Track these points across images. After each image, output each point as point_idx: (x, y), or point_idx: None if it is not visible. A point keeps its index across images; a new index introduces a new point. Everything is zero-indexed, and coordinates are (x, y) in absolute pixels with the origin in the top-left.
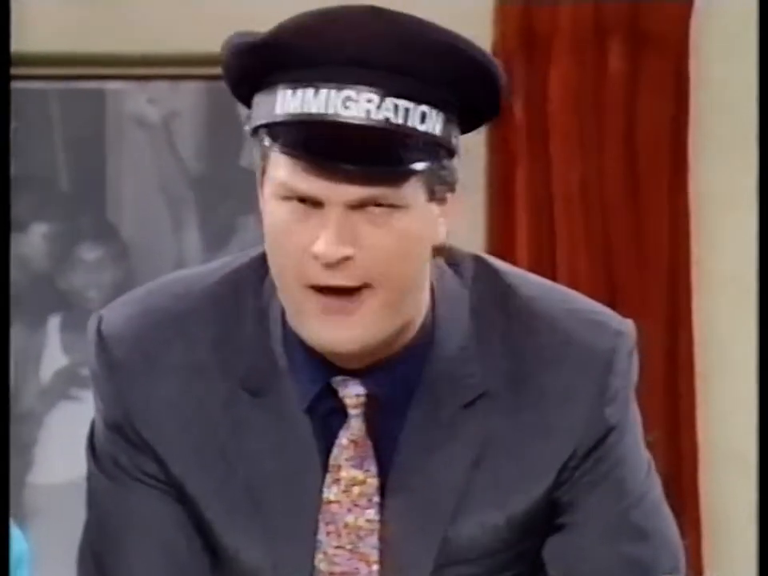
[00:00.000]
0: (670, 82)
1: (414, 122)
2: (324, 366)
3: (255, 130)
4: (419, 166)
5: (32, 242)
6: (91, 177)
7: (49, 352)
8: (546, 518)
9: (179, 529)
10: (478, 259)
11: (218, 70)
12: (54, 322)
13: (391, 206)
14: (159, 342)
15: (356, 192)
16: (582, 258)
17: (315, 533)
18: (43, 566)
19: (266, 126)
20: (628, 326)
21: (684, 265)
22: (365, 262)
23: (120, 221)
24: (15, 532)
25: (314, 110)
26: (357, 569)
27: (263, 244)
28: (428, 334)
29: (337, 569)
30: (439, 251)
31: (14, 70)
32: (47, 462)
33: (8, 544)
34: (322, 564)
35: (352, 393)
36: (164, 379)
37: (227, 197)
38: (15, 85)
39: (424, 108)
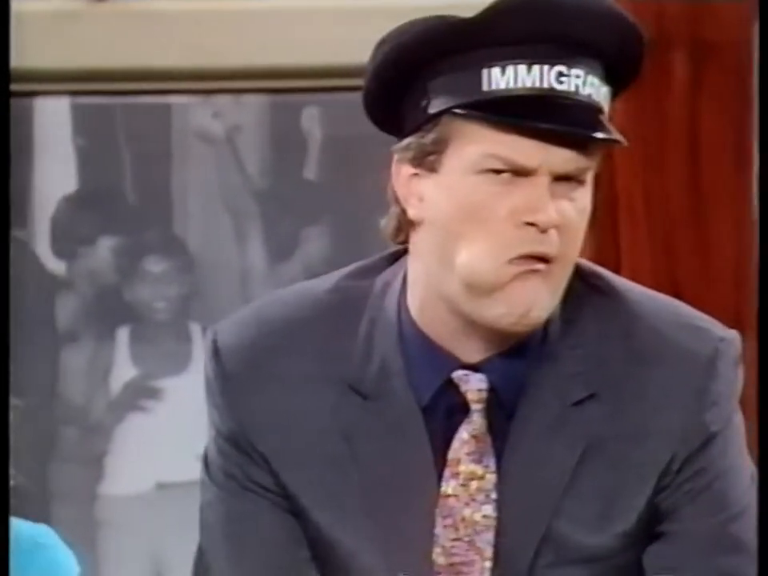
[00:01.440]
0: (733, 89)
1: (603, 101)
2: (445, 360)
3: (443, 111)
4: (609, 138)
5: (100, 256)
6: (158, 191)
7: (118, 364)
8: (650, 526)
9: (287, 539)
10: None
11: (281, 83)
12: (122, 334)
13: (578, 181)
14: (268, 352)
15: (567, 162)
16: (646, 271)
17: (432, 528)
18: None
19: (473, 104)
20: (733, 335)
21: (749, 276)
22: (561, 234)
23: (186, 234)
24: (68, 555)
25: (529, 85)
26: (473, 561)
27: (366, 259)
28: (540, 329)
29: (455, 559)
30: None
31: (79, 86)
32: (117, 473)
33: (8, 543)
34: (440, 558)
35: (474, 387)
36: (273, 389)
37: (291, 210)
38: (81, 100)
39: (606, 89)
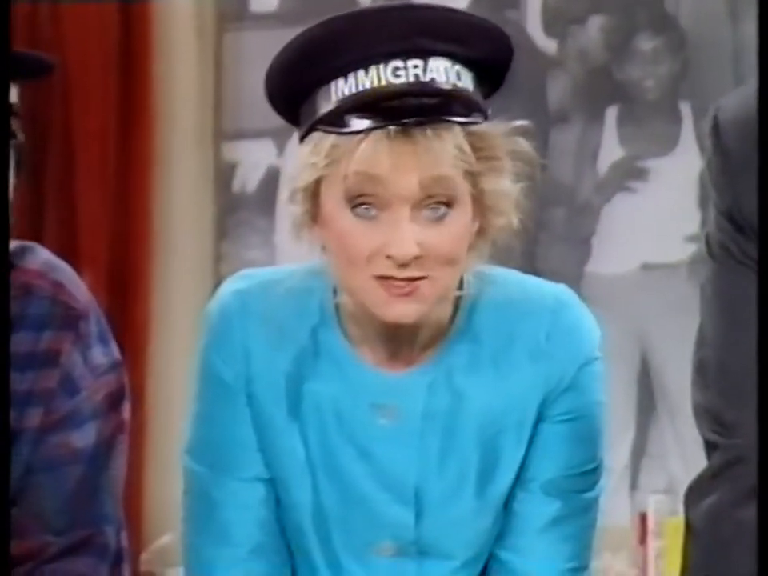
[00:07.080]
0: None
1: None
2: None
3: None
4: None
5: (590, 35)
6: None
7: (606, 144)
8: None
9: None
10: None
11: None
12: (611, 114)
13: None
14: None
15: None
16: None
17: None
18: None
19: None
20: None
21: None
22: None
23: (678, 11)
24: (589, 314)
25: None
26: None
27: None
28: None
29: None
30: None
31: None
32: (604, 253)
33: (8, 543)
34: None
35: None
36: None
37: None
38: None
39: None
